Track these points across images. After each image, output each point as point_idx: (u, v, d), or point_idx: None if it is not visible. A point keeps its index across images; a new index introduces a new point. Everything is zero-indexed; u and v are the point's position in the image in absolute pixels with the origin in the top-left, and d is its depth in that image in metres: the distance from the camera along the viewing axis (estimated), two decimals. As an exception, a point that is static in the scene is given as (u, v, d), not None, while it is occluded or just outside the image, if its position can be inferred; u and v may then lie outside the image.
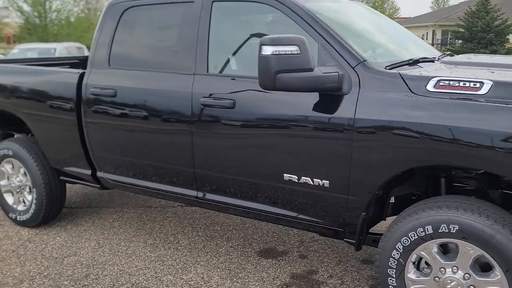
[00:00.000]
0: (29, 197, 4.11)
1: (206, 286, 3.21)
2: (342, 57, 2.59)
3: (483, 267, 2.33)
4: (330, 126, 2.56)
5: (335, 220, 2.77)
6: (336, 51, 2.61)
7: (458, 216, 2.28)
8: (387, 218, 2.96)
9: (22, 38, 32.14)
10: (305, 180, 2.72)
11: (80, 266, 3.50)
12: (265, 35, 2.46)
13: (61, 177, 4.03)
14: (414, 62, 2.77)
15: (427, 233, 2.36)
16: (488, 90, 2.24)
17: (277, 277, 3.31)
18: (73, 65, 5.28)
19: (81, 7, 42.91)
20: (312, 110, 2.62)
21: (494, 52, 25.89)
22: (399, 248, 2.47)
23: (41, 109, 3.77)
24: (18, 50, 15.81)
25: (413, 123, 2.32)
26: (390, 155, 2.41)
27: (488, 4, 28.95)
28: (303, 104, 2.64)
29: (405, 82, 2.42)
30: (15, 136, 4.62)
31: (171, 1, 3.31)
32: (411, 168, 2.41)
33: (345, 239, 2.79)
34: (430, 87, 2.36)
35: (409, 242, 2.43)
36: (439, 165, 2.44)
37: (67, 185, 4.25)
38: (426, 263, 2.49)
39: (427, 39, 41.10)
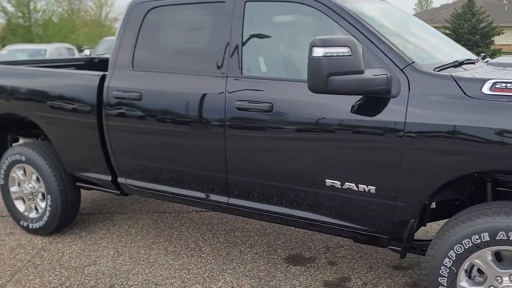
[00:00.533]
0: (43, 204, 3.94)
1: (238, 295, 3.11)
2: (390, 59, 2.50)
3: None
4: (377, 130, 2.47)
5: (376, 226, 2.69)
6: (383, 52, 2.52)
7: (518, 223, 2.21)
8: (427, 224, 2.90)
9: (6, 38, 31.55)
10: (349, 186, 2.63)
11: (102, 276, 3.36)
12: (305, 36, 2.37)
13: (77, 183, 3.88)
14: (459, 64, 2.70)
15: (483, 240, 2.29)
16: None
17: (310, 285, 3.21)
18: (78, 67, 5.15)
19: (65, 7, 42.42)
20: (357, 113, 2.53)
21: (479, 54, 26.17)
22: (452, 256, 2.40)
23: (58, 113, 3.61)
24: (7, 51, 15.38)
25: (470, 127, 2.25)
26: (444, 160, 2.33)
27: (473, 6, 29.37)
28: (346, 107, 2.55)
29: (458, 85, 2.35)
30: (22, 141, 4.46)
31: (200, 1, 3.20)
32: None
33: (389, 247, 2.71)
34: (485, 89, 2.28)
35: (462, 249, 2.36)
36: (500, 170, 2.38)
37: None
38: (479, 270, 2.42)
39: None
